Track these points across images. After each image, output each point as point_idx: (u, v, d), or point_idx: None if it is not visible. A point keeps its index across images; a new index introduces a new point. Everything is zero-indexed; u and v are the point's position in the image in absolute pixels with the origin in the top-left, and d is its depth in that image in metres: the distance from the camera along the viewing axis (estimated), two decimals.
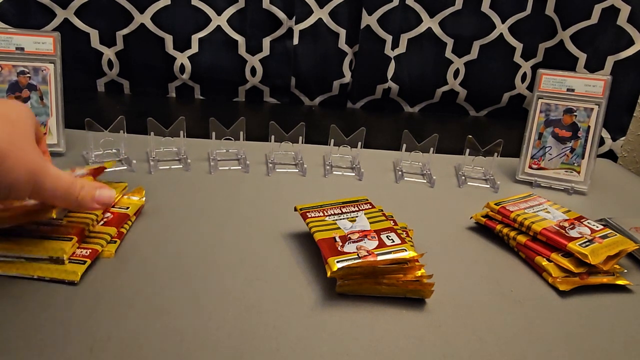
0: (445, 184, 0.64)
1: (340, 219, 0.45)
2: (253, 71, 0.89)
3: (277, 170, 0.64)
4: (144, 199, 0.50)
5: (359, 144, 0.64)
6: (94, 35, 0.84)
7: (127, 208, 0.47)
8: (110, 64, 0.87)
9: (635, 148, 0.96)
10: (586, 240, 0.45)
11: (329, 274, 0.38)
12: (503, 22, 0.88)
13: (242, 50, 0.88)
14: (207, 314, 0.37)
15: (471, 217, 0.54)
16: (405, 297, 0.41)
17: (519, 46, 0.90)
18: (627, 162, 0.97)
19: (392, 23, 0.87)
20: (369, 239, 0.41)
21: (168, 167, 0.61)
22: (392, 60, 0.90)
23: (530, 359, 0.35)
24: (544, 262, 0.45)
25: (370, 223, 0.44)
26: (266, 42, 0.88)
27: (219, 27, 0.86)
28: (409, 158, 0.67)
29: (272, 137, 0.64)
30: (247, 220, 0.50)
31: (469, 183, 0.65)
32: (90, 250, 0.41)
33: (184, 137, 0.62)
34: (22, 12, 0.80)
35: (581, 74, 0.66)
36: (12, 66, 0.60)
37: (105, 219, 0.45)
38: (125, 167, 0.60)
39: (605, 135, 0.88)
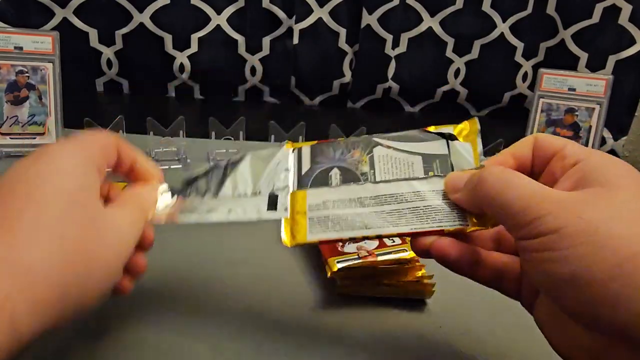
0: None
1: None
2: (253, 71, 0.89)
3: None
4: None
5: None
6: (93, 34, 0.84)
7: None
8: (109, 63, 0.86)
9: (637, 148, 0.96)
10: None
11: (329, 274, 0.38)
12: (504, 22, 0.88)
13: (241, 49, 0.87)
14: (207, 315, 0.37)
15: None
16: (405, 297, 0.40)
17: (519, 45, 0.90)
18: (629, 162, 0.96)
19: (393, 22, 0.87)
20: (369, 239, 0.41)
21: (167, 167, 0.61)
22: (393, 60, 0.90)
23: None
24: None
25: None
26: (266, 41, 0.87)
27: (218, 27, 0.86)
28: None
29: (272, 137, 0.64)
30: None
31: None
32: None
33: (183, 137, 0.62)
34: (21, 11, 0.80)
35: (582, 73, 0.66)
36: (11, 65, 0.59)
37: None
38: None
39: (607, 134, 0.88)
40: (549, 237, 0.23)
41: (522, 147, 0.31)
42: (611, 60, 0.84)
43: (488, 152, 0.65)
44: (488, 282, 0.31)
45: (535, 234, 0.24)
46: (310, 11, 0.86)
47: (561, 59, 0.87)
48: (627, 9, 0.81)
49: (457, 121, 0.34)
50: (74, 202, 0.25)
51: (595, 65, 0.85)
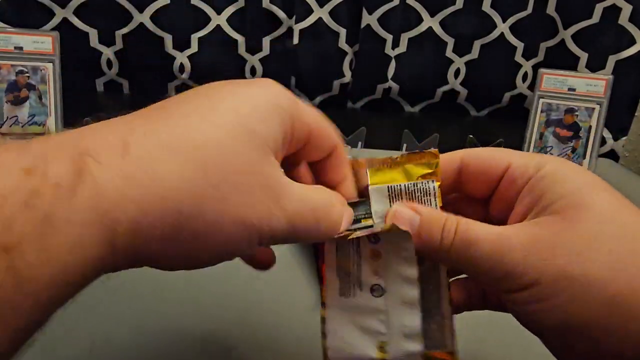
0: None
1: None
2: (253, 71, 0.89)
3: None
4: None
5: (359, 143, 0.64)
6: (93, 34, 0.84)
7: None
8: (109, 63, 0.86)
9: (637, 148, 0.96)
10: None
11: None
12: (504, 22, 0.88)
13: (241, 49, 0.87)
14: (207, 314, 0.37)
15: None
16: None
17: (520, 45, 0.90)
18: (629, 162, 0.97)
19: (393, 22, 0.87)
20: None
21: None
22: (393, 60, 0.90)
23: None
24: None
25: None
26: (266, 41, 0.87)
27: (218, 27, 0.86)
28: None
29: None
30: None
31: None
32: None
33: None
34: (21, 11, 0.80)
35: (582, 73, 0.66)
36: (11, 66, 0.59)
37: None
38: None
39: (607, 135, 0.88)
40: (528, 291, 0.22)
41: (444, 167, 0.27)
42: (611, 60, 0.84)
43: None
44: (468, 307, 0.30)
45: (513, 289, 0.23)
46: (310, 11, 0.86)
47: (561, 59, 0.87)
48: (627, 9, 0.81)
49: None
50: (245, 141, 0.20)
51: (595, 65, 0.85)
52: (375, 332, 0.27)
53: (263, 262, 0.27)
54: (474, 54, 0.91)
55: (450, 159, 0.27)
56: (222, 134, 0.20)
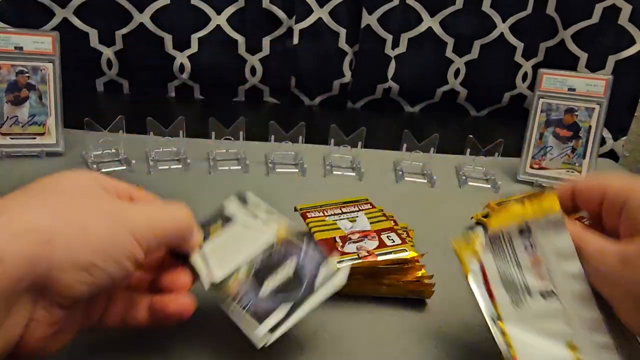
0: (446, 184, 0.64)
1: (341, 219, 0.44)
2: (253, 71, 0.89)
3: (277, 170, 0.64)
4: None
5: (359, 143, 0.64)
6: (93, 34, 0.84)
7: None
8: (109, 63, 0.86)
9: (637, 148, 0.96)
10: None
11: None
12: (504, 22, 0.88)
13: (241, 49, 0.87)
14: (207, 315, 0.37)
15: (472, 217, 0.54)
16: (405, 297, 0.40)
17: (519, 45, 0.90)
18: (629, 162, 0.96)
19: (393, 22, 0.87)
20: (369, 239, 0.41)
21: (167, 167, 0.61)
22: (393, 60, 0.90)
23: None
24: None
25: (371, 223, 0.44)
26: (266, 41, 0.87)
27: (218, 27, 0.86)
28: (409, 158, 0.66)
29: (272, 137, 0.64)
30: None
31: (469, 183, 0.65)
32: None
33: (183, 137, 0.62)
34: (21, 11, 0.80)
35: (582, 73, 0.66)
36: (11, 66, 0.59)
37: None
38: (125, 168, 0.60)
39: (607, 135, 0.88)
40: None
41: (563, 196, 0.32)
42: (611, 60, 0.84)
43: (488, 152, 0.65)
44: None
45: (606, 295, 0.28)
46: (310, 11, 0.86)
47: (561, 59, 0.87)
48: (627, 9, 0.81)
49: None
50: (77, 189, 0.29)
51: (595, 65, 0.85)
52: (560, 332, 0.29)
53: (177, 313, 0.31)
54: (474, 54, 0.91)
55: (565, 190, 0.32)
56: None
